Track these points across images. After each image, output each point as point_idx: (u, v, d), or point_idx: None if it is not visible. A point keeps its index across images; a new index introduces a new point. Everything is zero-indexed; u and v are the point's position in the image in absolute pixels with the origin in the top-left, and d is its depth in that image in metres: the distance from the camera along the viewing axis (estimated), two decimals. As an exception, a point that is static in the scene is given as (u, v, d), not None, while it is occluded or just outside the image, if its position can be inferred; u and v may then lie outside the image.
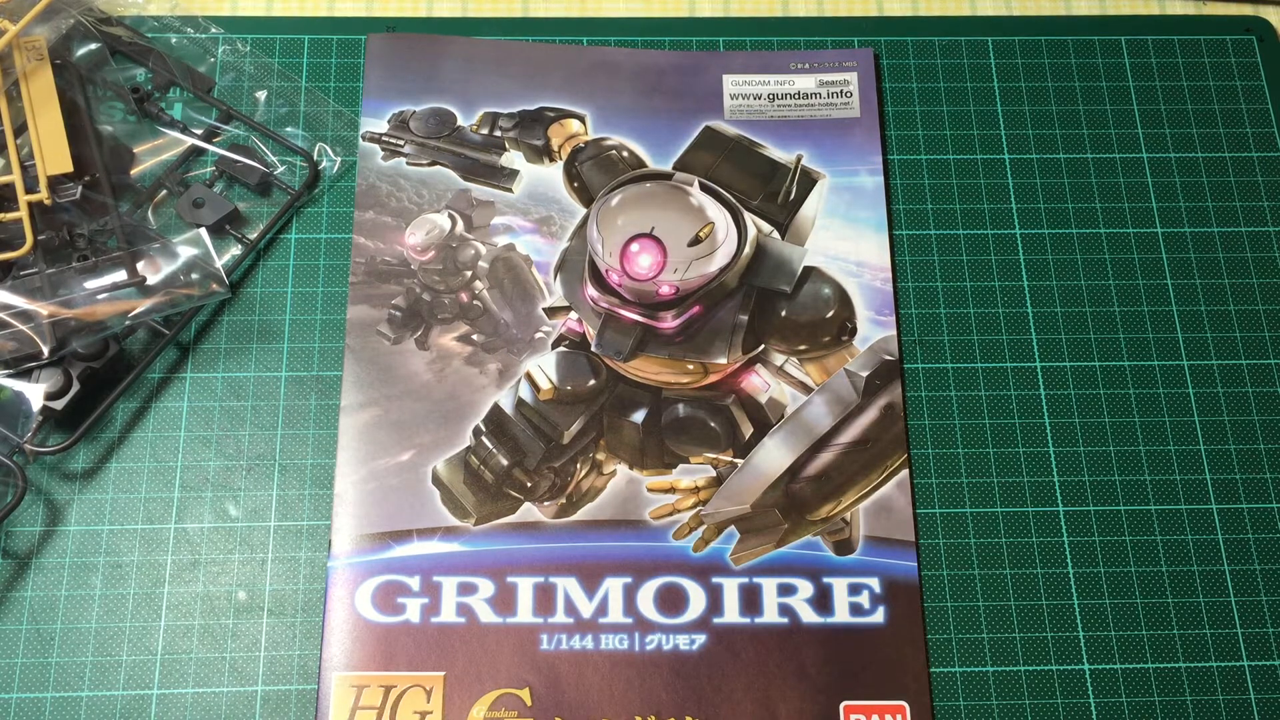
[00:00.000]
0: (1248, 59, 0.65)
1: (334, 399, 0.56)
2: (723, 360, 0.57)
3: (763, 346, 0.57)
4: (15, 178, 0.55)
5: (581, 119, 0.62)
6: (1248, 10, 0.67)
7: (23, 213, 0.54)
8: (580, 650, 0.51)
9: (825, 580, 0.53)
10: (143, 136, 0.60)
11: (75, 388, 0.53)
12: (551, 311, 0.58)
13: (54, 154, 0.56)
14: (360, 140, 0.61)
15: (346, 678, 0.51)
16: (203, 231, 0.56)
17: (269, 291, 0.58)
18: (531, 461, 0.55)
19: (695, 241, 0.57)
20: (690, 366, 0.57)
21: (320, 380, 0.57)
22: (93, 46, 0.60)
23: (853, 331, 0.57)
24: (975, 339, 0.58)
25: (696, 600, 0.53)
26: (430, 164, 0.61)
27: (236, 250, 0.58)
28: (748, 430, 0.56)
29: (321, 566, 0.53)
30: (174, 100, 0.61)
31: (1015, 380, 0.57)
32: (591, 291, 0.57)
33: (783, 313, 0.57)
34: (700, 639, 0.52)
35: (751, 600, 0.53)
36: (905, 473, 0.55)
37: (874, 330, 0.58)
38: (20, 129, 0.56)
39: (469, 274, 0.59)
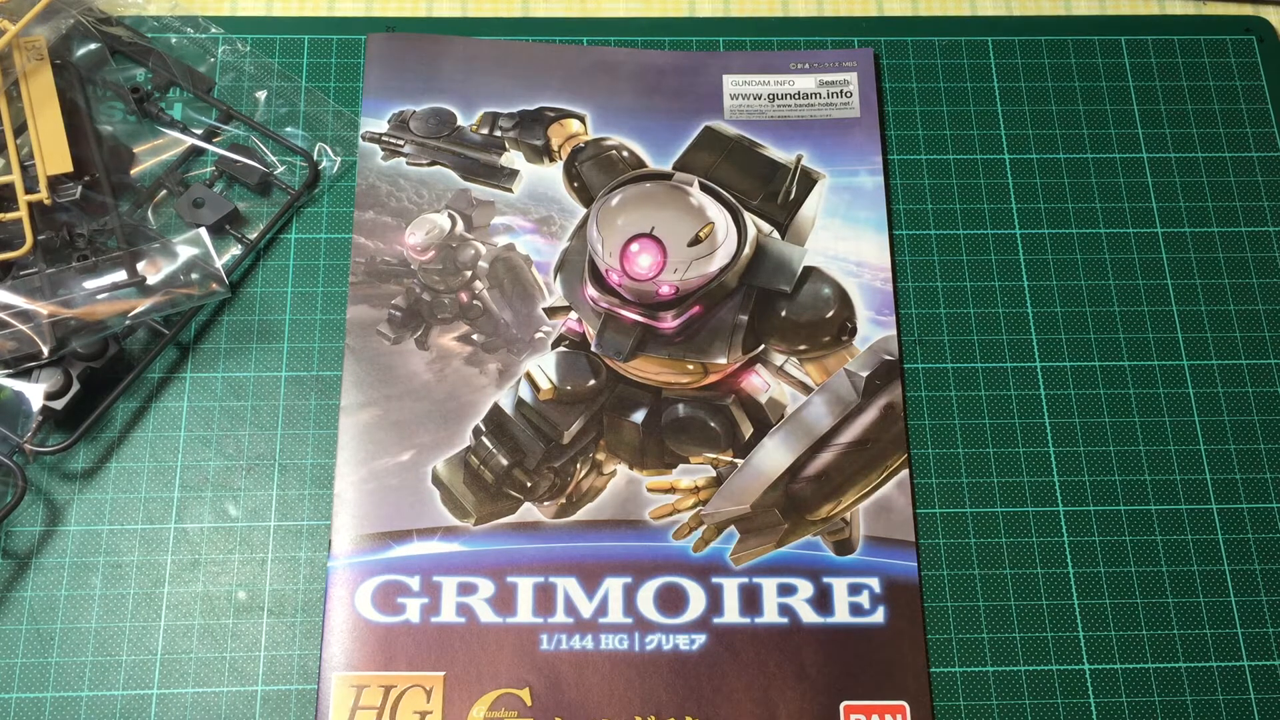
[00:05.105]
0: (1248, 59, 0.65)
1: (334, 399, 0.56)
2: (723, 360, 0.57)
3: (763, 346, 0.57)
4: (15, 178, 0.55)
5: (581, 119, 0.62)
6: (1248, 10, 0.67)
7: (23, 213, 0.54)
8: (580, 650, 0.51)
9: (825, 580, 0.53)
10: (143, 136, 0.60)
11: (75, 388, 0.53)
12: (551, 311, 0.58)
13: (54, 154, 0.56)
14: (360, 140, 0.61)
15: (346, 678, 0.51)
16: (203, 231, 0.56)
17: (269, 291, 0.58)
18: (531, 461, 0.55)
19: (695, 241, 0.57)
20: (690, 366, 0.57)
21: (320, 380, 0.57)
22: (93, 46, 0.60)
23: (853, 331, 0.57)
24: (975, 339, 0.58)
25: (696, 600, 0.53)
26: (430, 164, 0.61)
27: (236, 250, 0.58)
28: (748, 430, 0.56)
29: (321, 566, 0.53)
30: (174, 100, 0.61)
31: (1015, 380, 0.57)
32: (591, 291, 0.57)
33: (783, 313, 0.57)
34: (700, 639, 0.52)
35: (751, 600, 0.53)
36: (905, 473, 0.55)
37: (874, 330, 0.58)
38: (20, 129, 0.56)
39: (469, 274, 0.59)
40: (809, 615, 0.52)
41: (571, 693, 0.51)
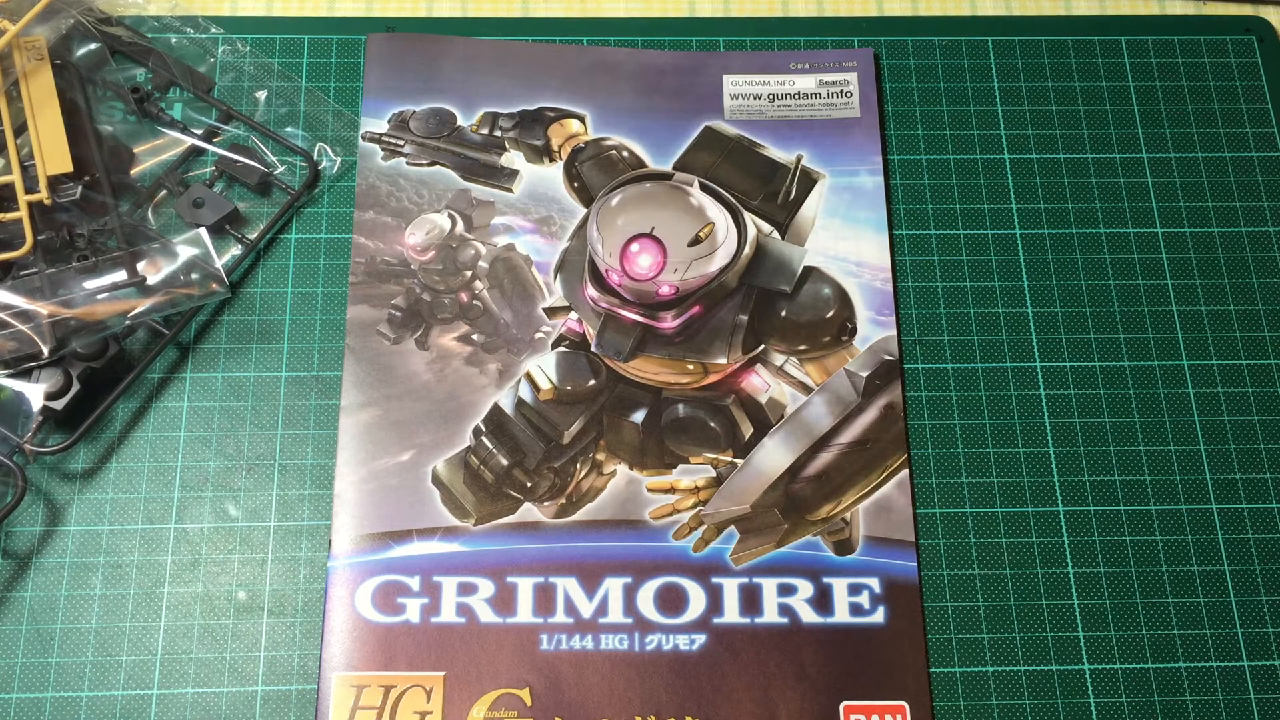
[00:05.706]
0: (1248, 59, 0.65)
1: (334, 399, 0.56)
2: (723, 360, 0.57)
3: (763, 346, 0.57)
4: (15, 178, 0.55)
5: (581, 119, 0.62)
6: (1248, 10, 0.67)
7: (23, 213, 0.54)
8: (580, 650, 0.51)
9: (825, 580, 0.53)
10: (143, 136, 0.60)
11: (75, 388, 0.53)
12: (551, 311, 0.58)
13: (54, 154, 0.56)
14: (360, 140, 0.61)
15: (346, 678, 0.51)
16: (203, 231, 0.56)
17: (269, 291, 0.58)
18: (531, 461, 0.55)
19: (695, 241, 0.57)
20: (690, 366, 0.57)
21: (320, 380, 0.57)
22: (93, 46, 0.60)
23: (853, 331, 0.57)
24: (975, 339, 0.58)
25: (696, 600, 0.53)
26: (430, 164, 0.61)
27: (236, 250, 0.58)
28: (748, 430, 0.56)
29: (321, 566, 0.53)
30: (174, 100, 0.61)
31: (1015, 380, 0.57)
32: (591, 291, 0.57)
33: (783, 313, 0.57)
34: (700, 639, 0.52)
35: (751, 600, 0.53)
36: (905, 473, 0.55)
37: (874, 330, 0.58)
38: (20, 129, 0.56)
39: (469, 274, 0.59)
40: (809, 615, 0.52)
41: (571, 693, 0.51)
